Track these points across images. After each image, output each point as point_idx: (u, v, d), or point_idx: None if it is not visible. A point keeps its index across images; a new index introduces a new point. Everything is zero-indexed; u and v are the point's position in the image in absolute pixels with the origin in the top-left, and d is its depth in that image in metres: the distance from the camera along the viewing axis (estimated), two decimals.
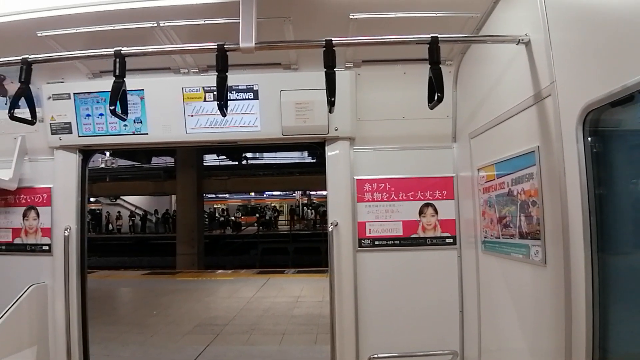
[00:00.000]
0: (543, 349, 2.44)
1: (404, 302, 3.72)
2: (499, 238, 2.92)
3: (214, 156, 32.13)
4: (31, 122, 2.84)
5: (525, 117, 2.51)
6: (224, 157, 32.66)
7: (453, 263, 3.73)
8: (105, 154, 23.99)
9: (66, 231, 3.80)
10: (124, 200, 36.97)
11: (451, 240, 3.74)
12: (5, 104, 3.91)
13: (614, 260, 1.97)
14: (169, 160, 31.24)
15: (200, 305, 9.26)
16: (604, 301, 1.95)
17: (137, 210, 37.08)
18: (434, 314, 3.72)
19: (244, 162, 33.77)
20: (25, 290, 3.75)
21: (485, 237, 3.17)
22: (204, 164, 28.09)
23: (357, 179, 3.79)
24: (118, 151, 21.65)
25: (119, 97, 2.55)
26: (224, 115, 2.64)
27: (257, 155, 34.70)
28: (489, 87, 3.08)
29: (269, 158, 34.67)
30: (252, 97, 3.68)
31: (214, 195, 38.53)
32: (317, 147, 3.92)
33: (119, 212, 36.48)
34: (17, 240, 4.03)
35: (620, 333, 1.95)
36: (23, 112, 2.76)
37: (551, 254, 2.31)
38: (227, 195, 40.45)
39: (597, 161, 1.98)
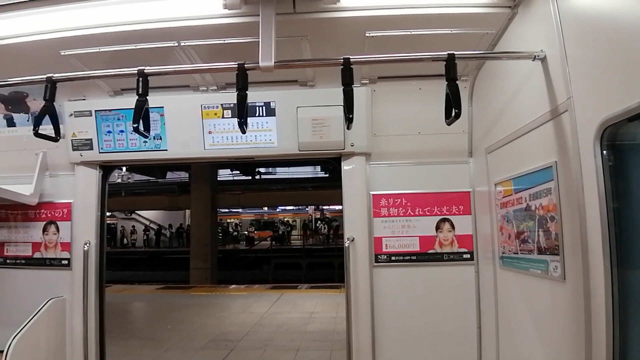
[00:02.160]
0: None
1: (421, 318, 3.70)
2: (517, 253, 2.90)
3: (228, 171, 32.32)
4: (55, 139, 2.91)
5: (543, 133, 2.51)
6: (238, 171, 32.83)
7: (470, 279, 3.70)
8: (121, 169, 24.38)
9: (85, 246, 3.85)
10: (139, 215, 37.25)
11: (468, 256, 3.72)
12: (28, 120, 4.02)
13: (634, 275, 1.95)
14: (183, 175, 31.50)
15: (214, 320, 9.23)
16: (625, 317, 1.93)
17: (151, 225, 37.34)
18: (451, 330, 3.68)
19: (258, 176, 33.92)
20: (44, 304, 3.79)
21: (503, 253, 3.15)
22: (218, 178, 28.26)
23: (373, 194, 3.80)
24: (135, 166, 21.99)
25: (142, 116, 2.61)
26: (243, 132, 2.67)
27: (271, 170, 34.85)
28: (505, 103, 3.09)
29: (282, 173, 34.77)
30: (270, 113, 3.74)
31: (227, 210, 38.67)
32: (331, 162, 3.95)
33: (133, 226, 36.76)
34: (37, 255, 4.09)
35: None
36: (44, 128, 2.82)
37: (570, 270, 2.29)
38: (240, 210, 40.56)
39: (615, 176, 1.97)
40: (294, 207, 41.18)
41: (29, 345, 3.59)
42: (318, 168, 33.41)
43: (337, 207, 30.09)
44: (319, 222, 39.75)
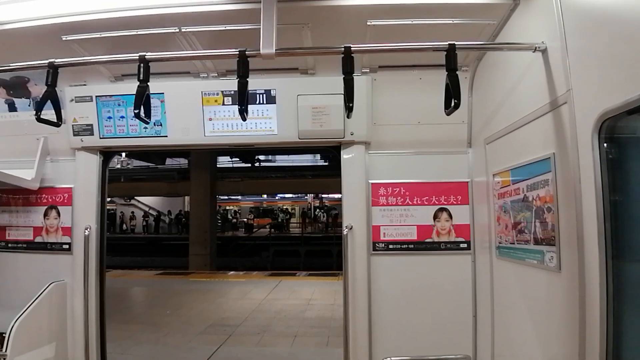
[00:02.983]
0: (556, 355, 2.44)
1: (417, 306, 3.74)
2: (514, 243, 2.92)
3: (228, 158, 32.29)
4: (57, 124, 2.92)
5: (541, 124, 2.52)
6: (237, 159, 32.81)
7: (467, 268, 3.74)
8: (121, 155, 24.35)
9: (86, 230, 3.88)
10: (138, 201, 37.30)
11: (465, 245, 3.74)
12: (29, 105, 4.02)
13: (629, 267, 1.97)
14: (182, 162, 31.48)
15: (212, 306, 9.33)
16: (619, 308, 1.96)
17: (150, 211, 37.39)
18: (447, 318, 3.72)
19: (257, 164, 33.91)
20: (46, 288, 3.82)
21: (499, 243, 3.17)
22: (218, 165, 28.24)
23: (372, 183, 3.82)
24: (134, 152, 21.98)
25: (143, 101, 2.62)
26: (244, 119, 2.68)
27: (270, 157, 34.83)
28: (505, 94, 3.10)
29: (282, 160, 34.76)
30: (270, 101, 3.74)
31: (226, 197, 38.74)
32: (331, 151, 3.97)
33: (132, 212, 36.81)
34: (38, 239, 4.12)
35: (635, 341, 1.95)
36: (45, 113, 2.82)
37: (566, 260, 2.32)
38: (239, 197, 40.60)
39: (613, 168, 1.99)
40: (293, 195, 41.23)
41: (31, 328, 3.62)
42: (318, 156, 33.40)
43: (336, 196, 30.16)
44: (318, 210, 39.83)
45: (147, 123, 3.18)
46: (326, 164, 31.46)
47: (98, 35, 3.20)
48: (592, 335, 2.05)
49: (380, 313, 3.75)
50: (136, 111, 2.60)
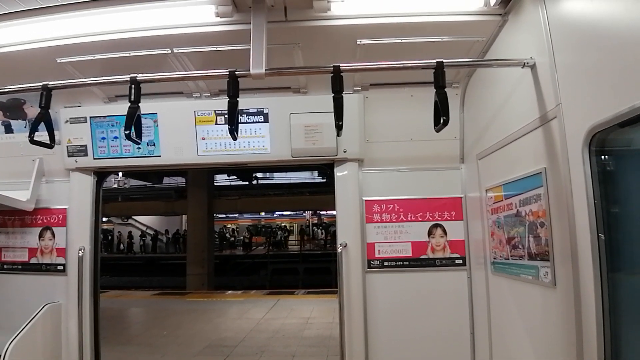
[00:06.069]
0: None
1: (414, 323, 3.71)
2: (508, 259, 2.92)
3: (225, 176, 32.25)
4: (50, 146, 2.93)
5: (532, 139, 2.54)
6: (235, 177, 32.76)
7: (463, 284, 3.72)
8: (117, 175, 24.32)
9: (80, 251, 3.87)
10: (135, 220, 37.10)
11: (461, 261, 3.74)
12: (25, 127, 4.05)
13: (624, 281, 1.97)
14: (180, 181, 31.43)
15: (210, 326, 9.20)
16: (615, 322, 1.95)
17: (148, 230, 37.16)
18: (445, 335, 3.70)
19: (255, 182, 33.85)
20: (40, 309, 3.80)
21: (494, 258, 3.17)
22: (215, 184, 28.20)
23: (365, 200, 3.82)
24: (130, 172, 22.01)
25: (134, 122, 2.63)
26: (234, 139, 2.70)
27: (268, 175, 34.79)
28: (495, 109, 3.12)
29: (279, 178, 34.72)
30: (263, 120, 3.77)
31: (224, 215, 38.61)
32: (324, 168, 3.97)
33: (130, 232, 36.59)
34: (33, 260, 4.12)
35: (632, 354, 1.94)
36: (40, 135, 2.83)
37: (560, 275, 2.31)
38: (237, 215, 40.48)
39: (604, 181, 1.99)
40: (291, 213, 41.09)
41: (26, 350, 3.60)
42: (315, 173, 33.39)
43: (334, 212, 30.01)
44: (316, 227, 39.68)
45: (138, 144, 3.20)
46: (324, 180, 31.43)
47: (92, 58, 3.24)
48: (589, 350, 2.04)
49: (376, 331, 3.72)
50: (127, 132, 2.62)
